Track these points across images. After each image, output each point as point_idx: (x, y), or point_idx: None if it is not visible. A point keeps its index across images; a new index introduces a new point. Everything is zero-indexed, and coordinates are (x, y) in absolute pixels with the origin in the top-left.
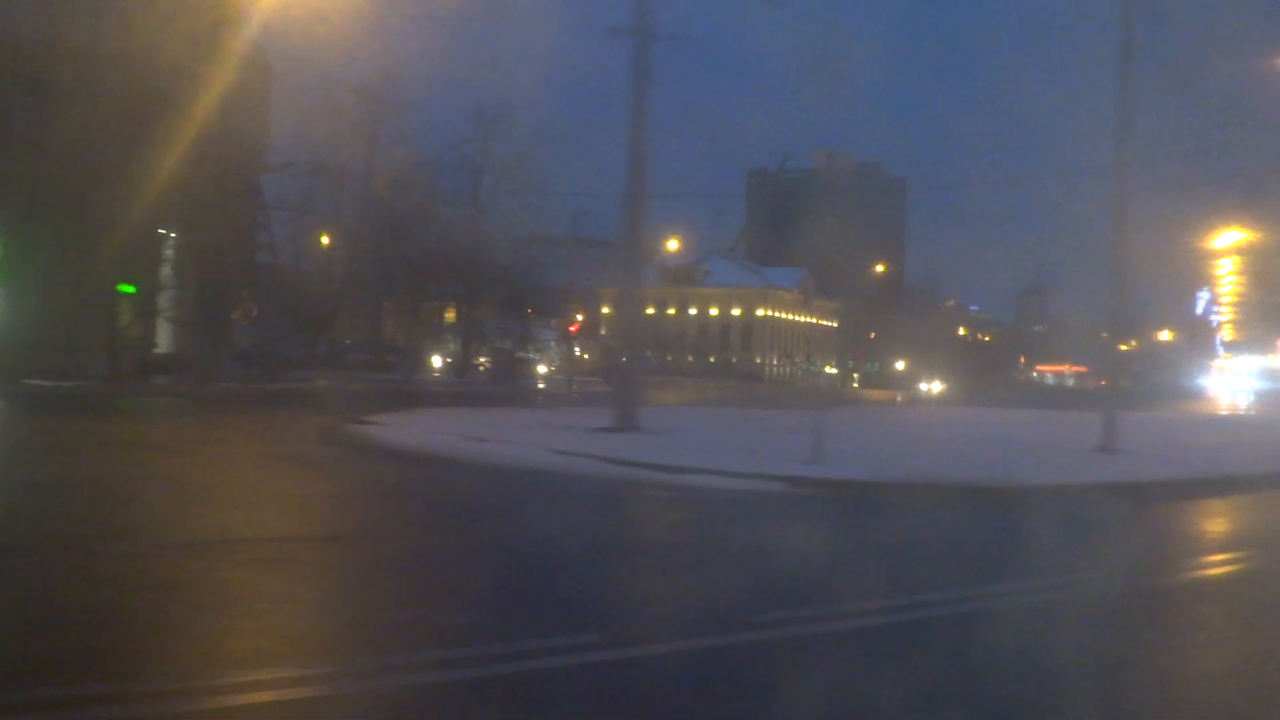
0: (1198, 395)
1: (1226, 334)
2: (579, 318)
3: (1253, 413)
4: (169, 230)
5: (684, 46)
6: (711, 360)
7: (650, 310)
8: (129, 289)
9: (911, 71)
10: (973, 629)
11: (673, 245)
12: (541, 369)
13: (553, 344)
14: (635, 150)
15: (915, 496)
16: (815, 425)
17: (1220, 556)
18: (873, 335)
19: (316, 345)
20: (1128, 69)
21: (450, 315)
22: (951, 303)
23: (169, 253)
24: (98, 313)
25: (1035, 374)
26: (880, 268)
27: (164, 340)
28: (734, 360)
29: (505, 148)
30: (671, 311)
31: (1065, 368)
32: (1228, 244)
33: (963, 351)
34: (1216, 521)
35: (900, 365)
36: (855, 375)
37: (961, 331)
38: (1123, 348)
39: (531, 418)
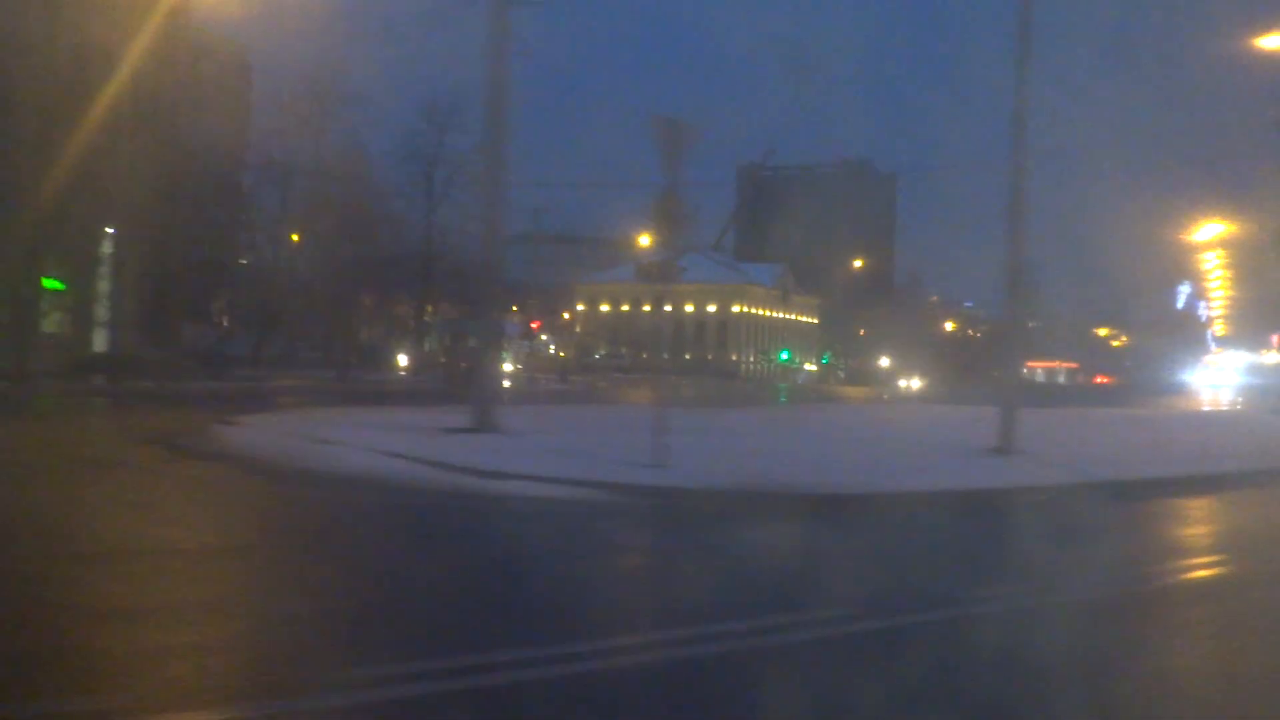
0: (1182, 391)
1: (1219, 329)
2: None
3: (1229, 409)
4: (107, 227)
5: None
6: (688, 358)
7: (625, 307)
8: (55, 285)
9: (903, 68)
10: (710, 677)
11: (644, 241)
12: (507, 366)
13: (520, 341)
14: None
15: (745, 505)
16: (656, 426)
17: (1020, 587)
18: (861, 332)
19: (267, 344)
20: (1026, 51)
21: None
22: (936, 298)
23: (107, 250)
24: (13, 310)
25: (1026, 370)
26: (859, 262)
27: (121, 340)
28: (709, 357)
29: (460, 140)
30: (647, 308)
31: (1057, 363)
32: (1210, 237)
33: (950, 347)
34: (1077, 536)
35: (885, 362)
36: (840, 372)
37: (950, 326)
38: (1115, 343)
39: (403, 418)
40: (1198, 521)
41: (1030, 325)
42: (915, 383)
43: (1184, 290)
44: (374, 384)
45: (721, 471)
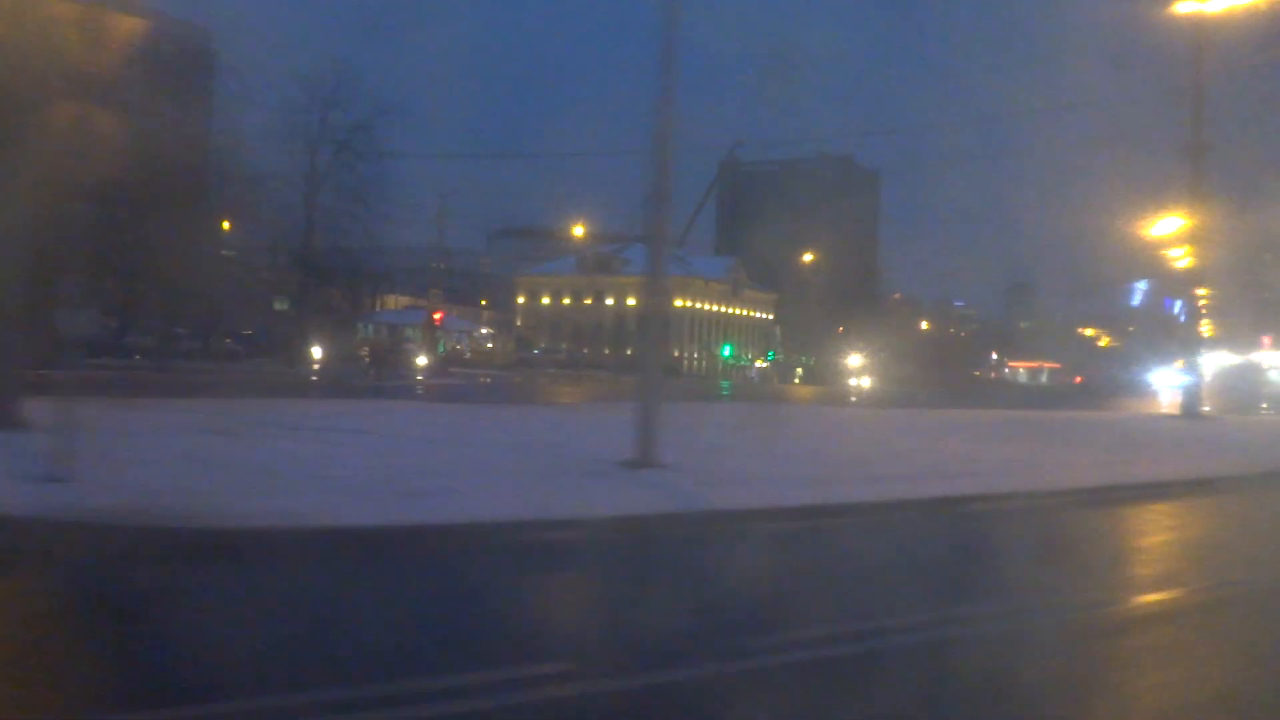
0: (1137, 392)
1: (1206, 329)
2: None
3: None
4: None
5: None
6: (629, 353)
7: (566, 301)
8: None
9: (886, 65)
10: None
11: (578, 231)
12: (421, 360)
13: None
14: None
15: (90, 545)
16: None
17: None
18: (841, 329)
19: (120, 332)
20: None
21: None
22: (899, 295)
23: None
24: None
25: (1007, 370)
26: (809, 256)
27: None
28: None
29: (346, 116)
30: (588, 301)
31: (1039, 364)
32: (1171, 231)
33: (924, 347)
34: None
35: (856, 360)
36: (798, 370)
37: (924, 325)
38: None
39: None
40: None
41: (1022, 325)
42: (865, 381)
43: (1140, 288)
44: (209, 374)
45: (126, 489)
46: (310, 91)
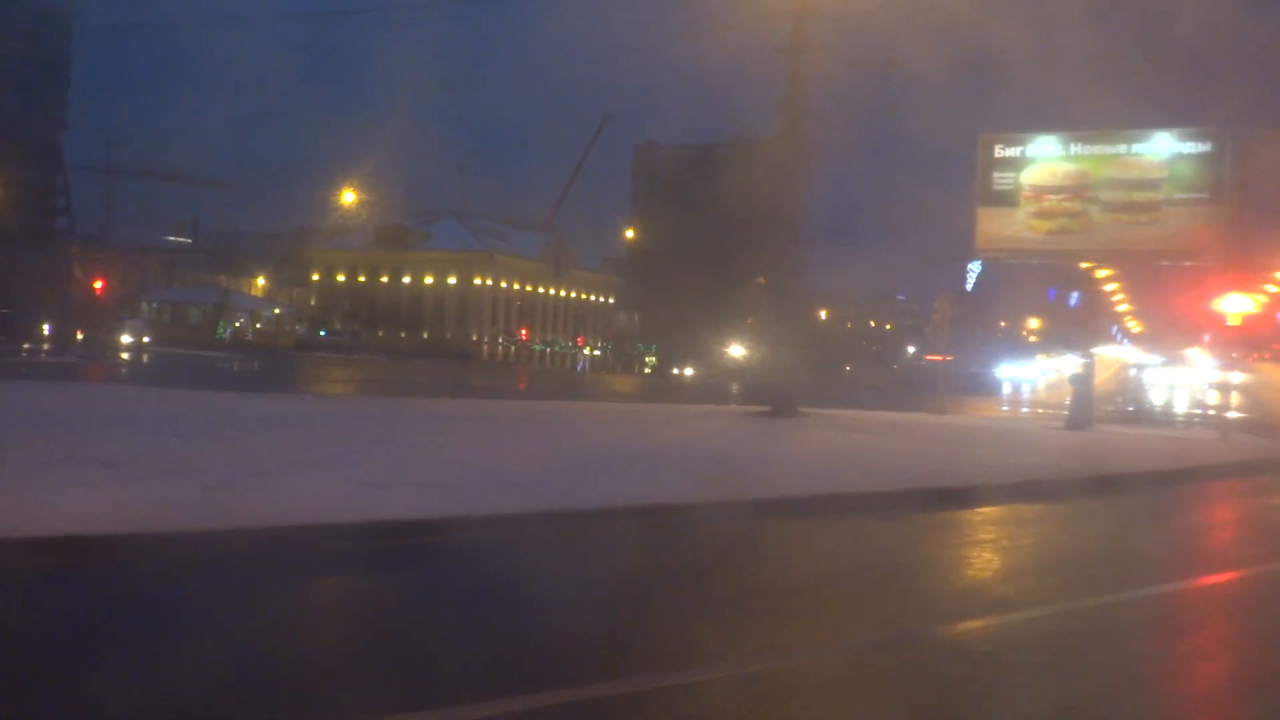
0: (979, 387)
1: (1132, 326)
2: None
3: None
4: None
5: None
6: (425, 336)
7: (362, 278)
8: None
9: None
10: None
11: (349, 198)
12: (126, 338)
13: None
14: None
15: None
16: None
17: None
18: (748, 321)
19: None
20: None
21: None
22: (764, 280)
23: None
24: None
25: (924, 362)
26: (630, 233)
27: None
28: (448, 336)
29: None
30: (384, 279)
31: (940, 357)
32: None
33: (812, 338)
34: None
35: (735, 351)
36: (648, 359)
37: (823, 315)
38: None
39: None
40: None
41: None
42: (689, 371)
43: (973, 270)
44: None
45: None
46: None
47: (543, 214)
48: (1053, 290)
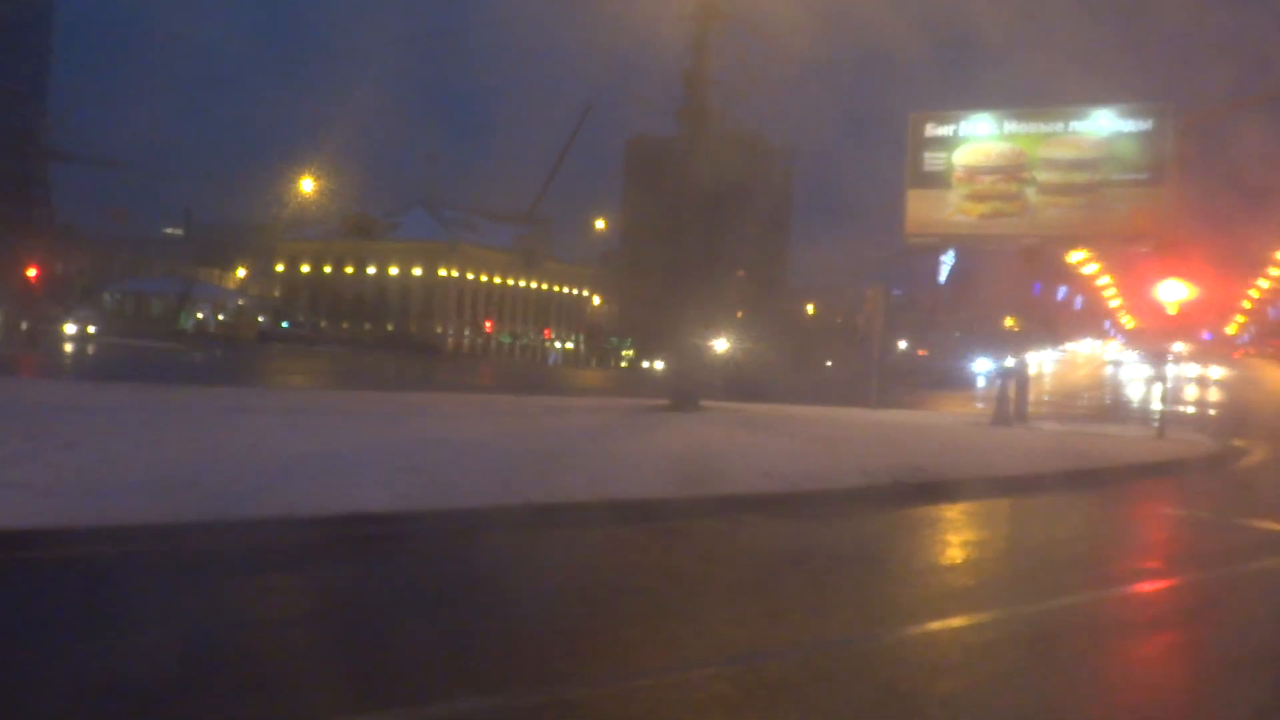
0: (953, 382)
1: (1126, 322)
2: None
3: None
4: None
5: None
6: (390, 329)
7: (328, 269)
8: None
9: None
10: None
11: (307, 186)
12: (70, 328)
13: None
14: None
15: None
16: None
17: None
18: (739, 315)
19: None
20: None
21: None
22: (743, 273)
23: None
24: None
25: (917, 356)
26: (600, 223)
27: None
28: (413, 329)
29: None
30: (349, 270)
31: (922, 351)
32: None
33: (798, 333)
34: None
35: (719, 345)
36: (624, 352)
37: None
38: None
39: None
40: None
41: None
42: (659, 364)
43: (946, 261)
44: None
45: None
46: None
47: (524, 206)
48: (1038, 285)
